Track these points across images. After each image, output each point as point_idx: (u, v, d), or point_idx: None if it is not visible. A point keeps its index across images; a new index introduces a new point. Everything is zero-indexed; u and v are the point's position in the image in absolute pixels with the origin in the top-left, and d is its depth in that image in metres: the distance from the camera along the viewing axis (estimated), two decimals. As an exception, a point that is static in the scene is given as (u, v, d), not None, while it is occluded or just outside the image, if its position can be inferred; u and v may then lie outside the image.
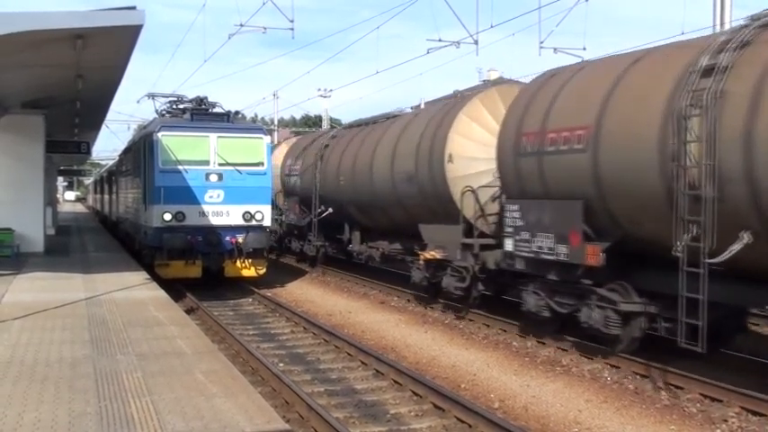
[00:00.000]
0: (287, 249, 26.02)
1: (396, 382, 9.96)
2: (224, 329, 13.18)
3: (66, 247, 23.96)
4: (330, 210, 20.84)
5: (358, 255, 20.33)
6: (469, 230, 13.91)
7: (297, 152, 24.62)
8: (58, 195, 63.38)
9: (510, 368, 10.95)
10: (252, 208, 17.81)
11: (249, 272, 17.97)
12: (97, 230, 35.93)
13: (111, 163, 44.86)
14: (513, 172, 12.09)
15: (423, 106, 19.81)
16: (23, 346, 8.99)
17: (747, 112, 8.09)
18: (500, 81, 17.47)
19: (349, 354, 11.73)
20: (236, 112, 19.04)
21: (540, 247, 11.36)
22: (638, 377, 10.19)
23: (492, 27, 26.76)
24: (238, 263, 17.75)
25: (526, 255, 11.77)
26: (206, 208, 17.52)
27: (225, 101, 68.30)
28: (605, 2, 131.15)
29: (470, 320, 14.41)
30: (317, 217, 21.61)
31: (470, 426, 8.10)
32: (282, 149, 27.13)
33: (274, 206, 23.26)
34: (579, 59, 21.95)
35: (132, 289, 14.23)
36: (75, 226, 39.26)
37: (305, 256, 23.91)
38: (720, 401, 8.98)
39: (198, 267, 17.44)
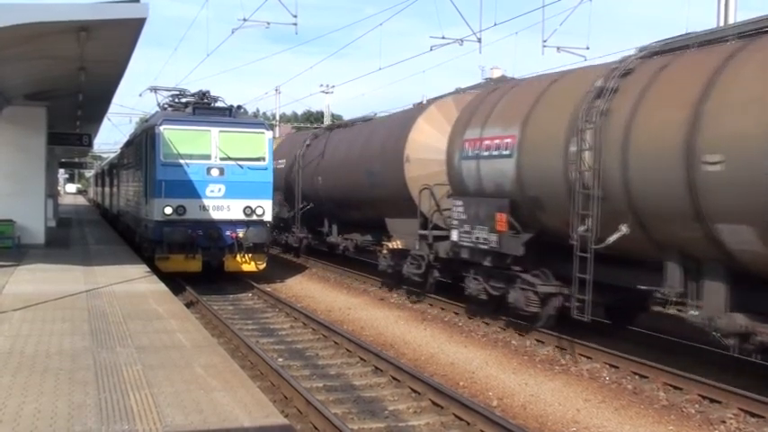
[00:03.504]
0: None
1: (394, 378, 9.97)
2: (223, 324, 13.19)
3: (67, 239, 23.96)
4: None
5: None
6: None
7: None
8: (60, 187, 63.39)
9: (509, 366, 10.96)
10: (253, 203, 17.83)
11: (249, 267, 17.97)
12: (98, 223, 35.94)
13: (112, 156, 44.86)
14: None
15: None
16: (24, 337, 9.00)
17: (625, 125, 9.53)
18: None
19: (348, 350, 11.74)
20: (239, 107, 19.01)
21: None
22: (636, 377, 10.20)
23: (495, 25, 26.84)
24: (238, 257, 17.76)
25: None
26: (207, 202, 17.54)
27: (227, 95, 68.38)
28: (609, 1, 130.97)
29: (470, 318, 14.41)
30: None
31: (468, 423, 8.11)
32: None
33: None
34: (582, 59, 22.06)
35: (132, 282, 14.24)
36: (76, 218, 39.26)
37: None
38: (719, 402, 8.99)
39: (198, 261, 17.45)
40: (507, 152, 12.04)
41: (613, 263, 10.33)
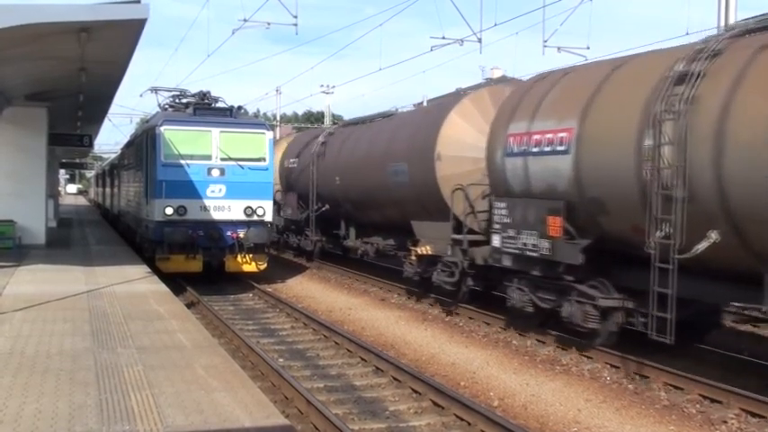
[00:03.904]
0: None
1: (395, 379, 9.97)
2: (224, 324, 13.19)
3: (68, 239, 23.97)
4: None
5: None
6: None
7: None
8: (60, 188, 63.44)
9: (510, 366, 10.96)
10: (253, 203, 17.83)
11: (250, 267, 17.98)
12: (98, 223, 35.95)
13: (113, 156, 44.91)
14: None
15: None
16: (24, 337, 9.00)
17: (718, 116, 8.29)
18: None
19: (349, 350, 11.74)
20: (239, 107, 19.02)
21: None
22: (637, 377, 10.20)
23: (496, 25, 26.92)
24: (239, 258, 17.77)
25: None
26: (207, 202, 17.55)
27: (228, 96, 68.38)
28: (609, 1, 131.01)
29: (470, 318, 14.40)
30: None
31: (469, 424, 8.10)
32: None
33: None
34: (583, 59, 22.05)
35: (133, 282, 14.24)
36: (77, 219, 39.27)
37: None
38: (720, 402, 8.98)
39: (199, 262, 17.46)
40: (562, 148, 10.62)
41: (691, 274, 8.99)
